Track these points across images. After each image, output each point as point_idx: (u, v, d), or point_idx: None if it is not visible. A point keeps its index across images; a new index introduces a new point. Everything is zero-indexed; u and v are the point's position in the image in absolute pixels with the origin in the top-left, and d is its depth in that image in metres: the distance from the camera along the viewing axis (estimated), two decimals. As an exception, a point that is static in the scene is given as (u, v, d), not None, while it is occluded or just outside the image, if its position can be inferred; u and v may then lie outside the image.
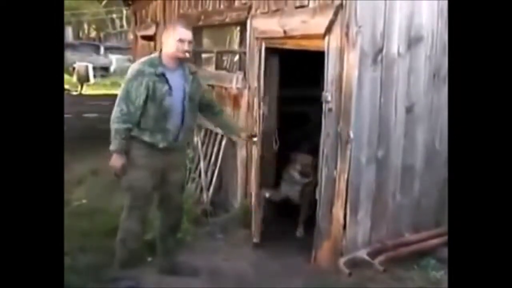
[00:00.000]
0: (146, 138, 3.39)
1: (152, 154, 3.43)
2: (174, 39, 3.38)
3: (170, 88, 3.38)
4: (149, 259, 4.02)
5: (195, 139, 5.47)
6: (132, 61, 11.48)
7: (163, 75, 3.37)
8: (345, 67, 3.48)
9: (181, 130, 3.50)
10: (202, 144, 5.59)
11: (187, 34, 3.43)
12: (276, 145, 4.25)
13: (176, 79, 3.43)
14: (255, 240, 4.39)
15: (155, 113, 3.36)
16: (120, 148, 3.33)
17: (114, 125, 3.32)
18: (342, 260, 3.57)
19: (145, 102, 3.32)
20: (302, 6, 3.87)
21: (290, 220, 4.65)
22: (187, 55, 3.44)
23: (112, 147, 3.34)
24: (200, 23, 5.88)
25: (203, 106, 3.73)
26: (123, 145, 3.34)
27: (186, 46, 3.40)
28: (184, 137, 3.59)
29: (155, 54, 3.49)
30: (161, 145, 3.43)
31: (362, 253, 3.60)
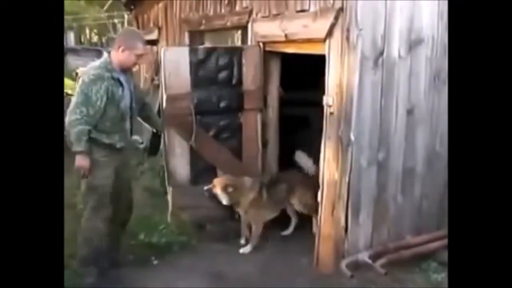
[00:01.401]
0: (105, 139, 3.53)
1: (110, 153, 3.58)
2: (133, 53, 3.58)
3: (123, 91, 3.58)
4: (155, 262, 4.06)
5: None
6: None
7: (118, 79, 3.55)
8: (346, 71, 3.49)
9: (132, 130, 3.76)
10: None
11: (145, 49, 3.72)
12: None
13: (124, 82, 3.62)
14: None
15: (113, 115, 3.53)
16: (86, 149, 3.41)
17: (76, 128, 3.35)
18: (344, 263, 3.59)
19: (105, 105, 3.45)
20: (303, 10, 3.89)
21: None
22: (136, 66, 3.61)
23: (78, 148, 3.37)
24: (202, 27, 5.91)
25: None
26: (88, 146, 3.42)
27: (139, 60, 3.71)
28: (133, 137, 3.85)
29: (105, 59, 3.57)
30: (118, 145, 3.61)
31: (364, 256, 3.61)
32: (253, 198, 4.33)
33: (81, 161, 3.41)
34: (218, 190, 4.24)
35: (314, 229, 4.30)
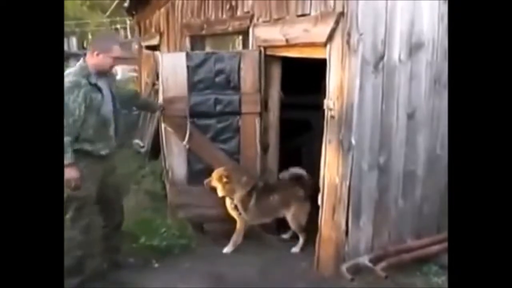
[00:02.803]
0: (88, 147, 3.46)
1: (92, 162, 3.50)
2: (109, 56, 3.53)
3: (102, 96, 3.52)
4: (156, 265, 4.07)
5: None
6: (137, 71, 11.57)
7: (95, 84, 3.48)
8: (346, 74, 3.51)
9: (116, 135, 3.68)
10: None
11: (120, 52, 3.64)
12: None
13: (104, 87, 3.57)
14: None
15: (94, 123, 3.45)
16: (73, 160, 3.30)
17: None
18: (344, 266, 3.59)
19: (84, 113, 3.37)
20: (303, 15, 3.91)
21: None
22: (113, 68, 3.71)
23: (66, 161, 3.23)
24: (203, 32, 5.94)
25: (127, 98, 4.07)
26: (73, 156, 3.31)
27: (116, 62, 3.64)
28: (119, 142, 3.75)
29: (80, 65, 3.52)
30: (102, 152, 3.55)
31: (364, 259, 3.61)
32: (242, 196, 4.33)
33: (70, 173, 3.28)
34: (214, 180, 4.31)
35: (295, 249, 4.40)
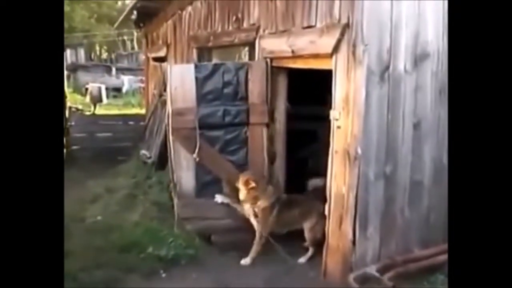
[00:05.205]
0: None
1: None
2: None
3: None
4: (163, 274, 4.08)
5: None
6: (144, 82, 11.63)
7: None
8: (352, 85, 3.54)
9: None
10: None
11: None
12: None
13: None
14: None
15: None
16: None
17: None
18: (351, 276, 3.58)
19: None
20: (309, 26, 3.96)
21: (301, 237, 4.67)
22: None
23: None
24: (210, 44, 6.01)
25: None
26: None
27: None
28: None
29: None
30: None
31: (372, 269, 3.61)
32: (265, 207, 4.35)
33: None
34: (240, 183, 4.32)
35: (302, 259, 4.39)
